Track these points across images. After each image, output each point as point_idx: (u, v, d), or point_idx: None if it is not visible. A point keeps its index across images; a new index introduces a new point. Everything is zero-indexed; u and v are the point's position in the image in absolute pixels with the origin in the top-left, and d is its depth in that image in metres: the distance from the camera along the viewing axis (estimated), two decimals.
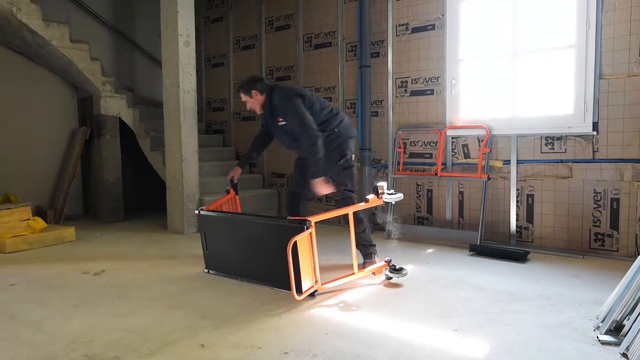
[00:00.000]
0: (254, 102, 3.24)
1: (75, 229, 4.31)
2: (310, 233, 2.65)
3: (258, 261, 2.93)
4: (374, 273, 3.00)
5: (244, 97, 3.26)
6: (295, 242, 2.54)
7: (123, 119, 5.23)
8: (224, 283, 2.98)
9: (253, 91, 3.20)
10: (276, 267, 2.75)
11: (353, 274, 2.89)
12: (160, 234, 4.55)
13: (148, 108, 5.53)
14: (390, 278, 2.98)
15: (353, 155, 3.32)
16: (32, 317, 2.43)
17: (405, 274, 2.97)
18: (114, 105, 5.16)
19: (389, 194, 2.98)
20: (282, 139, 3.32)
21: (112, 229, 4.78)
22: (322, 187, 3.01)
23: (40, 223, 4.12)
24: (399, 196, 3.03)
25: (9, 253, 3.79)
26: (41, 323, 2.34)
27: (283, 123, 3.19)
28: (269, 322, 2.34)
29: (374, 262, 3.18)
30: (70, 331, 2.24)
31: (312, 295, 2.68)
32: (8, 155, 4.93)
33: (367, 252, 3.26)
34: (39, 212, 4.84)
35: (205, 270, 3.20)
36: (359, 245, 3.18)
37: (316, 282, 2.69)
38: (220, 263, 3.14)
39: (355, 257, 2.92)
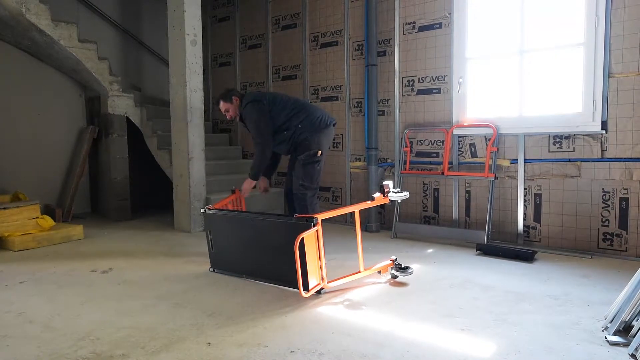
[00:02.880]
0: (235, 108, 3.54)
1: (83, 227, 4.34)
2: (317, 230, 2.65)
3: (264, 259, 2.93)
4: (379, 272, 2.99)
5: (225, 106, 3.54)
6: (302, 239, 2.54)
7: (130, 118, 5.26)
8: (230, 282, 2.99)
9: (234, 97, 3.52)
10: (282, 265, 2.75)
11: (359, 272, 2.88)
12: (167, 233, 4.57)
13: (155, 107, 5.56)
14: (396, 277, 2.98)
15: (319, 152, 3.35)
16: (40, 314, 2.45)
17: (411, 273, 2.97)
18: (122, 105, 5.19)
19: (395, 193, 2.98)
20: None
21: (119, 228, 4.81)
22: (246, 188, 3.49)
23: (48, 221, 4.15)
24: (405, 195, 3.03)
25: (18, 251, 3.82)
26: (49, 320, 2.36)
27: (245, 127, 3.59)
28: (275, 320, 2.34)
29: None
30: (78, 328, 2.25)
31: (319, 292, 2.68)
32: (17, 154, 4.97)
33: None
34: (47, 210, 4.89)
35: (210, 269, 3.21)
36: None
37: (322, 279, 2.69)
38: (226, 262, 3.15)
39: (361, 256, 2.92)
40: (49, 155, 5.21)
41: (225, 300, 2.65)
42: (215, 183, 4.94)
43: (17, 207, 4.00)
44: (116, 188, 5.18)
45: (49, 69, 5.20)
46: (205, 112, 4.74)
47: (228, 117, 3.60)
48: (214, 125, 6.28)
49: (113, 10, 5.83)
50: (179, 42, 4.48)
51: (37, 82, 5.12)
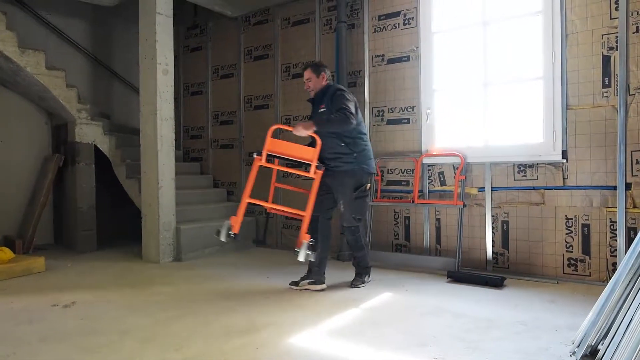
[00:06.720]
0: (317, 83, 3.44)
1: (45, 259, 4.16)
2: None
3: None
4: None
5: (310, 75, 3.45)
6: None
7: (99, 146, 5.15)
8: (199, 314, 2.91)
9: (323, 74, 3.45)
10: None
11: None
12: (135, 264, 4.43)
13: (124, 135, 5.48)
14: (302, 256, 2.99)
15: (368, 185, 3.47)
16: None
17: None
18: (90, 133, 5.09)
19: None
20: None
21: (84, 259, 4.63)
22: (301, 129, 3.18)
23: (7, 254, 3.96)
24: None
25: None
26: (5, 359, 2.23)
27: (323, 110, 3.38)
28: (246, 354, 2.28)
29: (363, 283, 3.51)
30: None
31: None
32: None
33: (359, 271, 3.57)
34: (6, 242, 4.67)
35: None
36: (356, 266, 3.58)
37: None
38: None
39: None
40: (10, 185, 5.02)
41: (194, 333, 2.57)
42: (185, 212, 4.86)
43: None
44: (82, 218, 5.01)
45: (13, 95, 5.08)
46: (176, 140, 4.70)
47: (305, 87, 3.51)
48: (185, 153, 6.22)
49: (83, 37, 5.79)
50: (151, 71, 4.47)
51: (0, 109, 4.97)
